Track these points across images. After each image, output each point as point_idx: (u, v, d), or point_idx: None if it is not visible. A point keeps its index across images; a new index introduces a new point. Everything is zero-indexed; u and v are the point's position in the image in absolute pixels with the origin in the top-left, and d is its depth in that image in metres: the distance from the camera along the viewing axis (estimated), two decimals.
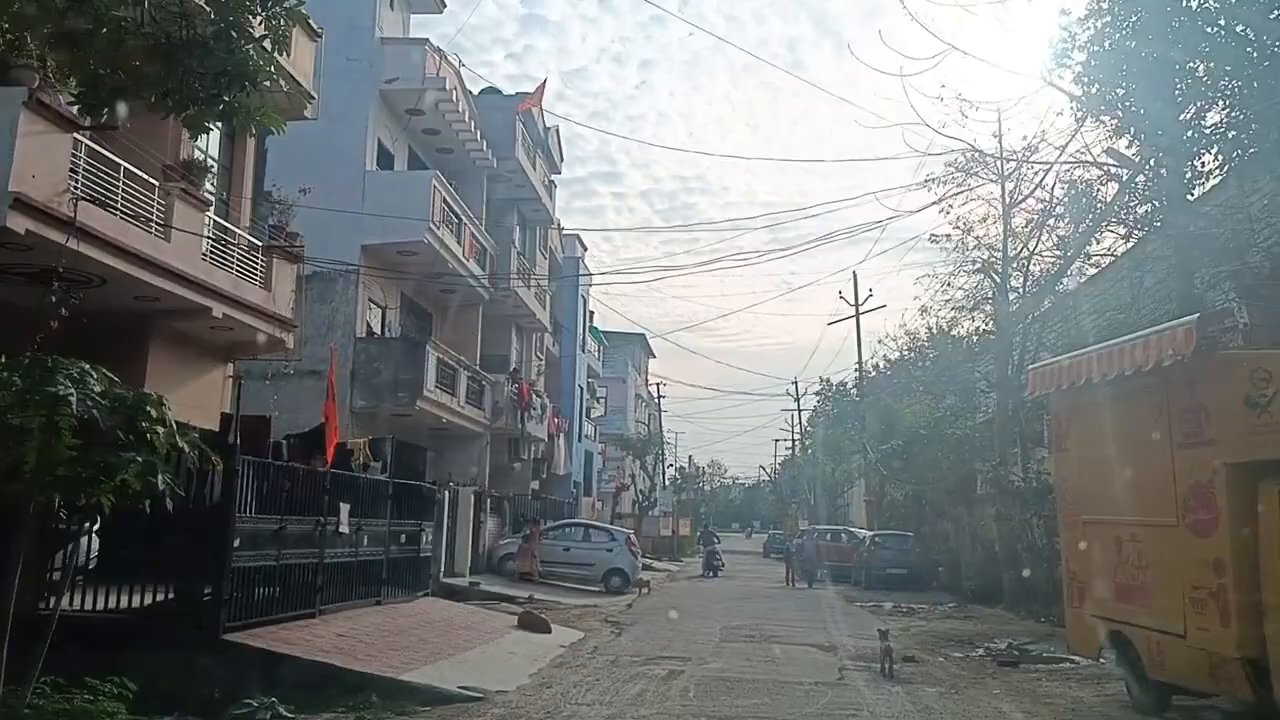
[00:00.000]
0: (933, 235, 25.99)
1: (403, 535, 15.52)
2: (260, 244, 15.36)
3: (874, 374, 40.82)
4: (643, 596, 24.62)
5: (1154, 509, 9.96)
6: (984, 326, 29.16)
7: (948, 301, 29.11)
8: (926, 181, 23.88)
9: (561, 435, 38.57)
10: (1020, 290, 24.47)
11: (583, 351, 42.98)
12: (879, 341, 66.24)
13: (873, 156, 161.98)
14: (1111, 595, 10.71)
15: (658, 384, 68.64)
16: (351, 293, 22.91)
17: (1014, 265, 24.15)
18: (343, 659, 10.19)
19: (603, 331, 64.53)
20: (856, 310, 39.41)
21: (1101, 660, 11.25)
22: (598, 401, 51.47)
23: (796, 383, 65.95)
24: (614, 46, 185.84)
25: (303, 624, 11.18)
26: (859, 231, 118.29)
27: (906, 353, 36.17)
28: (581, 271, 43.22)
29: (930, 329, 34.00)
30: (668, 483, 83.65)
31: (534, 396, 30.97)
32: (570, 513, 36.71)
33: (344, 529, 12.43)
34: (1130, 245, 20.38)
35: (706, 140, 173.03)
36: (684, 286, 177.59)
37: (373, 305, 24.17)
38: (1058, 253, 23.30)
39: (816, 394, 67.50)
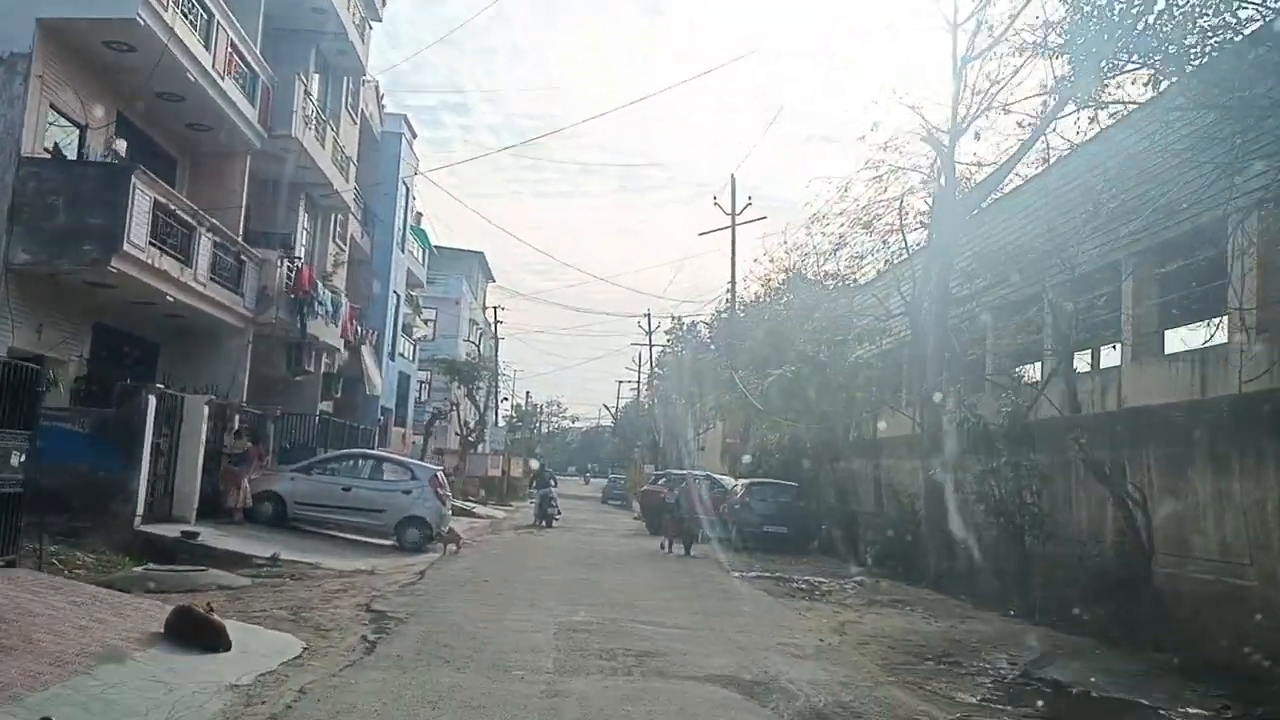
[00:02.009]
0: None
1: None
2: None
3: (747, 302, 34.75)
4: (447, 558, 17.86)
5: None
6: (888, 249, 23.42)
7: (845, 214, 23.27)
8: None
9: (367, 348, 31.14)
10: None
11: (401, 251, 35.39)
12: (754, 260, 60.34)
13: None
14: None
15: (495, 308, 61.26)
16: (19, 89, 14.98)
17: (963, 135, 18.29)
18: None
19: (437, 247, 56.97)
20: (733, 219, 33.27)
21: None
22: (421, 319, 43.92)
23: (649, 315, 59.91)
24: None
25: None
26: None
27: (781, 276, 30.31)
28: (406, 156, 35.50)
29: (793, 268, 28.24)
30: (502, 420, 76.90)
31: (321, 288, 23.47)
32: (371, 444, 29.46)
33: None
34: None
35: (560, 80, 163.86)
36: (531, 227, 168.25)
37: (62, 118, 16.24)
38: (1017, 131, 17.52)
39: (668, 333, 61.91)
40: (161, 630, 7.55)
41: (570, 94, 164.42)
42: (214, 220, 18.27)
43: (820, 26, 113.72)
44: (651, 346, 59.89)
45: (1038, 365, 19.76)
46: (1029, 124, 16.75)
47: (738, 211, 33.11)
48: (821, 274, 27.97)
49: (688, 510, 22.08)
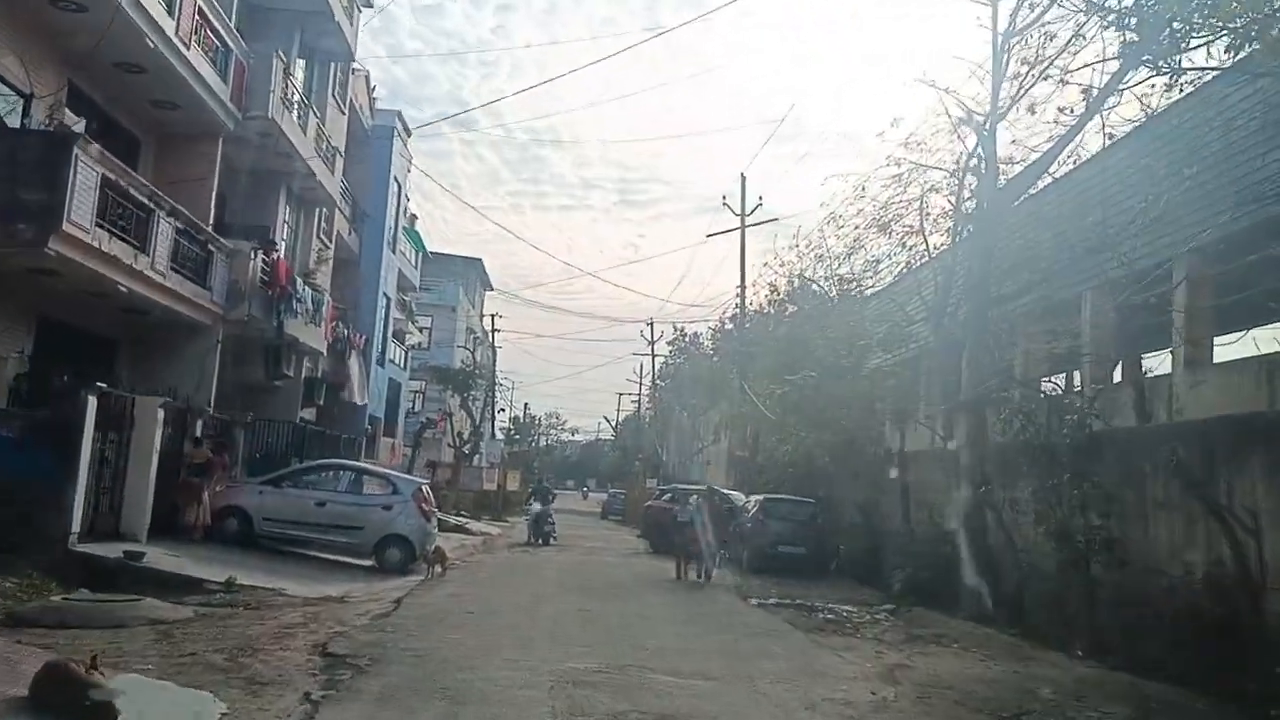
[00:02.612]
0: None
1: None
2: None
3: (757, 309, 32.82)
4: (431, 581, 15.99)
5: None
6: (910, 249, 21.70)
7: (862, 215, 21.61)
8: None
9: (355, 353, 29.32)
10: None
11: (393, 252, 33.59)
12: (764, 264, 57.92)
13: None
14: None
15: (493, 316, 59.47)
16: None
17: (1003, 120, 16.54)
18: None
19: (434, 253, 55.31)
20: (743, 219, 31.50)
21: None
22: (415, 325, 42.11)
23: (651, 323, 58.11)
24: None
25: None
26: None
27: (795, 282, 28.46)
28: (399, 151, 33.76)
29: (805, 273, 26.39)
30: (499, 431, 75.00)
31: (301, 285, 21.69)
32: (358, 455, 27.61)
33: None
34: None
35: (562, 95, 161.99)
36: (525, 249, 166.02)
37: (3, 85, 14.45)
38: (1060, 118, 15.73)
39: (670, 343, 60.18)
40: (26, 693, 5.71)
41: (571, 107, 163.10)
42: (176, 204, 16.44)
43: (837, 23, 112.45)
44: (654, 356, 58.10)
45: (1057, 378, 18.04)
46: (1081, 100, 14.94)
47: (748, 212, 31.35)
48: (835, 279, 26.22)
49: (704, 531, 19.20)
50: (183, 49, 16.55)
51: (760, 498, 23.38)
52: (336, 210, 27.69)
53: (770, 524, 21.72)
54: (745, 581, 18.88)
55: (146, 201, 15.33)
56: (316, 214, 26.02)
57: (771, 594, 16.97)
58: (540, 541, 27.87)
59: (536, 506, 28.45)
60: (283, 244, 24.16)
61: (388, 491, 17.59)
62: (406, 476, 18.59)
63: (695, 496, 20.93)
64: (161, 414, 15.11)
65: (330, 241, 27.47)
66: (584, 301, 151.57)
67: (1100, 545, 11.89)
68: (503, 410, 64.77)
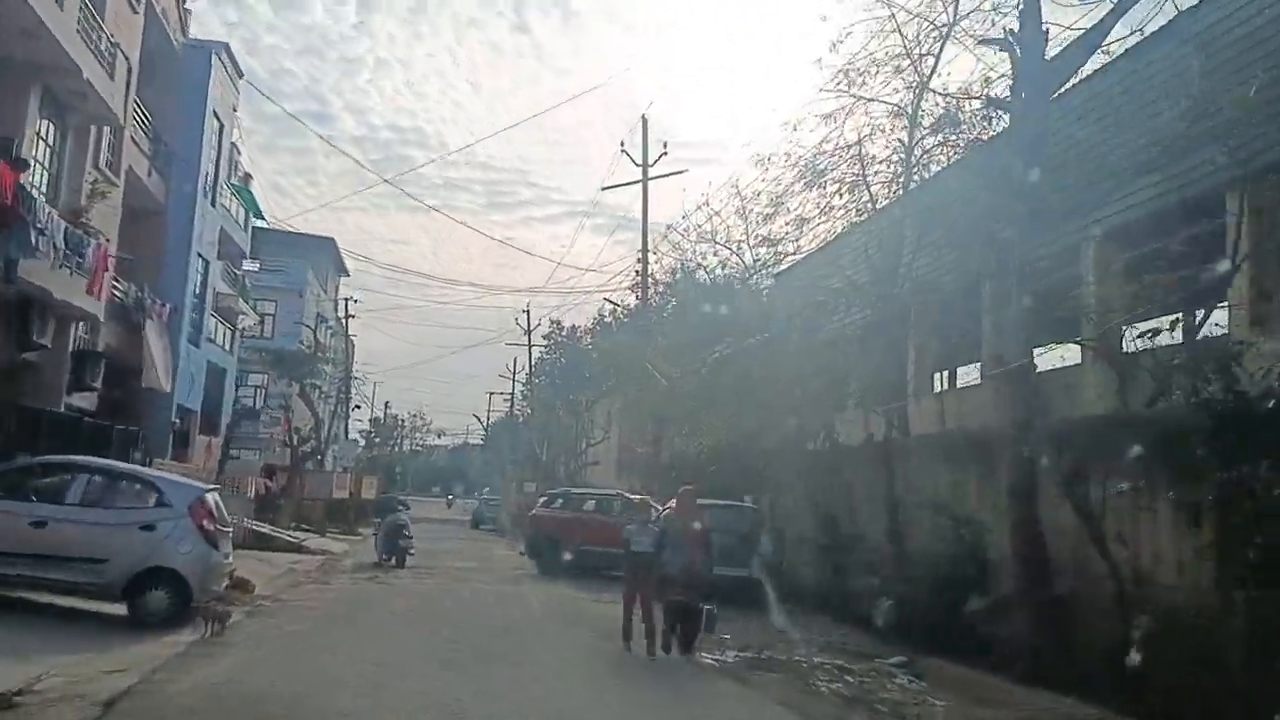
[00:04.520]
0: None
1: None
2: None
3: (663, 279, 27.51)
4: (203, 645, 10.12)
5: None
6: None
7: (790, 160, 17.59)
8: None
9: (154, 325, 22.87)
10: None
11: (212, 205, 27.06)
12: (666, 229, 51.73)
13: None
14: None
15: (347, 300, 52.79)
16: None
17: None
18: None
19: (282, 231, 48.38)
20: (644, 170, 26.26)
21: None
22: (250, 304, 35.33)
23: (528, 311, 52.48)
24: None
25: None
26: None
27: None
28: (221, 84, 27.25)
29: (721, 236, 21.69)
30: (356, 434, 67.97)
31: (46, 210, 15.42)
32: (161, 455, 21.20)
33: None
34: None
35: (426, 93, 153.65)
36: (394, 242, 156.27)
37: None
38: None
39: (545, 337, 54.57)
40: None
41: (437, 107, 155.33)
42: None
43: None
44: (530, 347, 52.39)
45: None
46: None
47: (650, 162, 26.14)
48: (758, 240, 21.32)
49: (684, 569, 10.99)
50: None
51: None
52: (126, 137, 21.22)
53: None
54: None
55: None
56: (91, 135, 19.55)
57: (729, 643, 11.73)
58: (395, 561, 22.01)
59: (388, 518, 22.48)
60: (39, 168, 17.84)
61: (149, 503, 11.58)
62: (181, 481, 12.58)
63: (657, 511, 13.43)
64: None
65: (116, 177, 20.95)
66: (450, 305, 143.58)
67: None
68: (358, 408, 57.93)
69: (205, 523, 11.54)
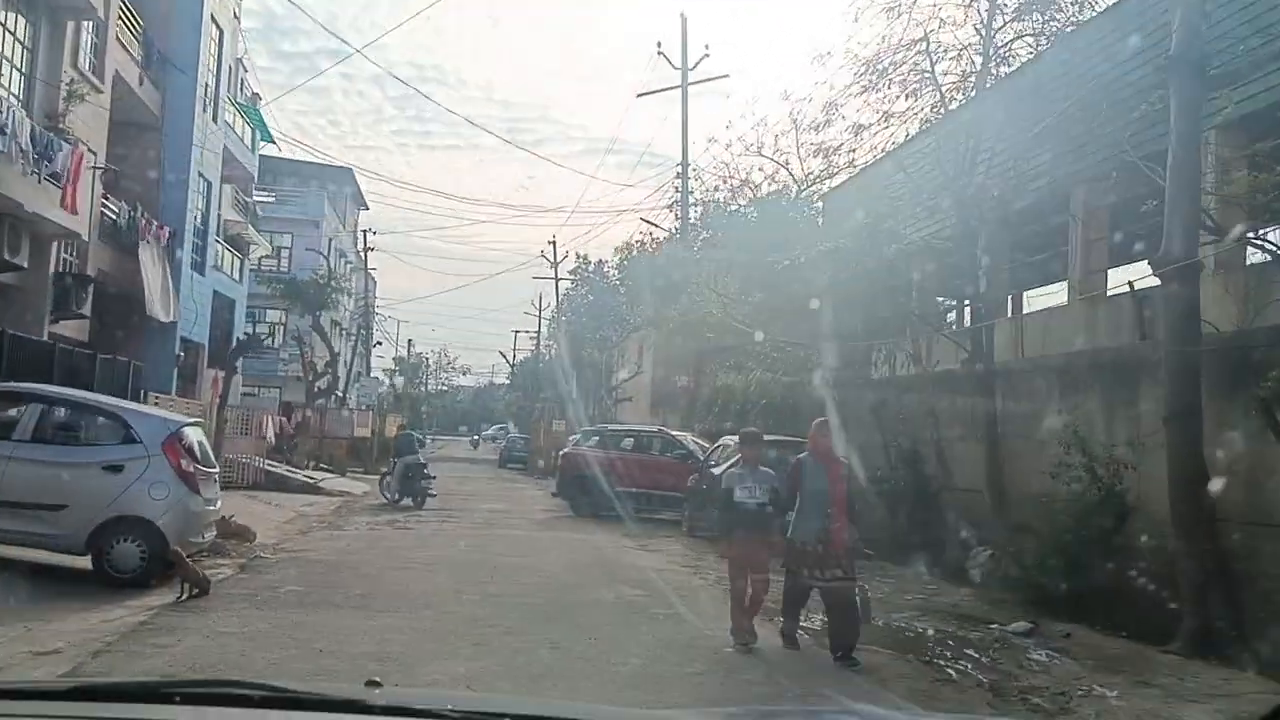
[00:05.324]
0: None
1: None
2: None
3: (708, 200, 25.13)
4: (173, 613, 8.23)
5: None
6: None
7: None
8: None
9: (151, 249, 20.95)
10: None
11: (214, 121, 24.94)
12: (709, 140, 48.18)
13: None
14: None
15: (365, 232, 50.81)
16: None
17: None
18: None
19: (297, 161, 46.55)
20: (684, 75, 23.85)
21: None
22: (258, 231, 33.36)
23: (554, 242, 50.32)
24: None
25: None
26: None
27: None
28: None
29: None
30: (381, 372, 66.39)
31: (7, 109, 13.39)
32: (165, 389, 19.41)
33: None
34: None
35: (444, 28, 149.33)
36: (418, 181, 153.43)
37: None
38: None
39: (571, 272, 52.44)
40: None
41: (457, 41, 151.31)
42: None
43: None
44: (557, 279, 50.31)
45: None
46: None
47: (690, 66, 23.71)
48: (810, 150, 19.05)
49: (820, 535, 7.93)
50: None
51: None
52: (111, 38, 19.10)
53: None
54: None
55: None
56: (69, 32, 17.44)
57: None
58: (415, 501, 20.22)
59: (405, 458, 20.61)
60: (3, 63, 15.83)
61: (115, 439, 9.67)
62: (153, 413, 10.66)
63: (771, 451, 9.99)
64: None
65: (102, 82, 18.88)
66: (471, 245, 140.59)
67: None
68: (379, 344, 56.19)
69: (182, 462, 9.62)
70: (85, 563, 9.45)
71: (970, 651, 8.11)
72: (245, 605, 8.61)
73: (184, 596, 8.73)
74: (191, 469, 9.70)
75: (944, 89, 16.31)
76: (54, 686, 2.35)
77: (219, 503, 10.62)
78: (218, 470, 10.86)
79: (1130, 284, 12.70)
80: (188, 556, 9.29)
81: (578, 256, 51.16)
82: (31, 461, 9.29)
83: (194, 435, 10.14)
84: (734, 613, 8.12)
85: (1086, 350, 11.77)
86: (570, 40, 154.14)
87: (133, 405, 10.58)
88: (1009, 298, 18.28)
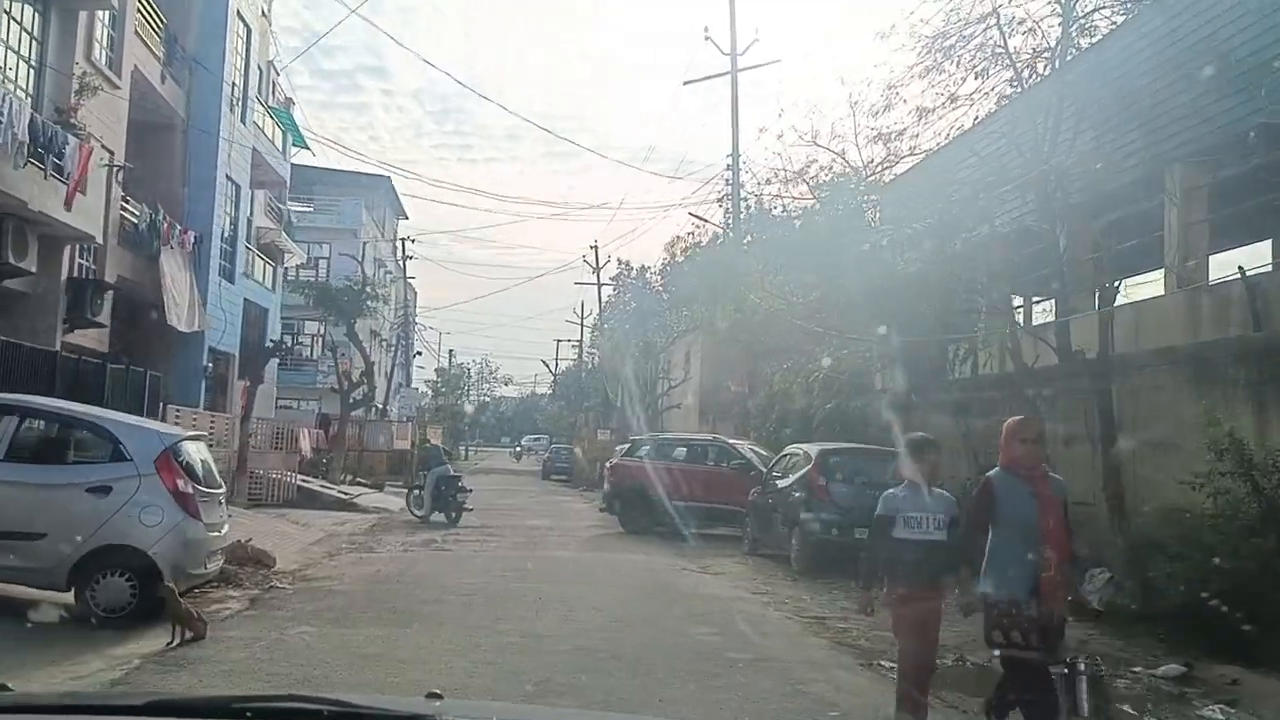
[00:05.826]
0: None
1: None
2: None
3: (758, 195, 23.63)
4: (161, 666, 6.93)
5: None
6: None
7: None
8: None
9: (174, 254, 19.91)
10: None
11: (242, 122, 23.91)
12: (760, 131, 44.01)
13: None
14: None
15: (403, 240, 49.90)
16: None
17: None
18: None
19: (334, 170, 45.55)
20: (734, 61, 22.41)
21: None
22: (291, 238, 32.37)
23: (596, 247, 49.07)
24: None
25: None
26: None
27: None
28: None
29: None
30: (422, 384, 65.52)
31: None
32: (168, 404, 18.28)
33: None
34: None
35: (485, 45, 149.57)
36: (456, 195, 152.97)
37: None
38: None
39: (613, 278, 51.16)
40: None
41: (497, 56, 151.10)
42: None
43: None
44: (600, 285, 49.05)
45: None
46: None
47: (740, 51, 22.25)
48: (869, 136, 17.53)
49: (1031, 591, 5.32)
50: None
51: (817, 449, 14.24)
52: (129, 31, 18.07)
53: (840, 494, 12.94)
54: (808, 594, 10.20)
55: None
56: (80, 21, 16.39)
57: None
58: (446, 517, 18.94)
59: (435, 469, 19.36)
60: (9, 54, 14.78)
61: (102, 457, 8.41)
62: (146, 426, 9.37)
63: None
64: None
65: (119, 78, 17.84)
66: (512, 255, 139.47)
67: None
68: (419, 354, 55.25)
69: (179, 482, 8.33)
70: (68, 597, 8.18)
71: (1126, 709, 6.56)
72: (243, 655, 7.27)
73: (174, 642, 7.43)
74: (190, 490, 8.41)
75: (1017, 65, 14.82)
76: (130, 701, 2.28)
77: (226, 527, 9.31)
78: (223, 491, 9.57)
79: (1241, 269, 11.31)
80: (192, 588, 8.00)
81: (619, 263, 49.99)
82: (4, 483, 8.05)
83: (194, 451, 8.86)
84: (901, 694, 5.88)
85: (1231, 338, 10.13)
86: (609, 55, 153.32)
87: (122, 417, 9.29)
88: (1095, 291, 16.69)
